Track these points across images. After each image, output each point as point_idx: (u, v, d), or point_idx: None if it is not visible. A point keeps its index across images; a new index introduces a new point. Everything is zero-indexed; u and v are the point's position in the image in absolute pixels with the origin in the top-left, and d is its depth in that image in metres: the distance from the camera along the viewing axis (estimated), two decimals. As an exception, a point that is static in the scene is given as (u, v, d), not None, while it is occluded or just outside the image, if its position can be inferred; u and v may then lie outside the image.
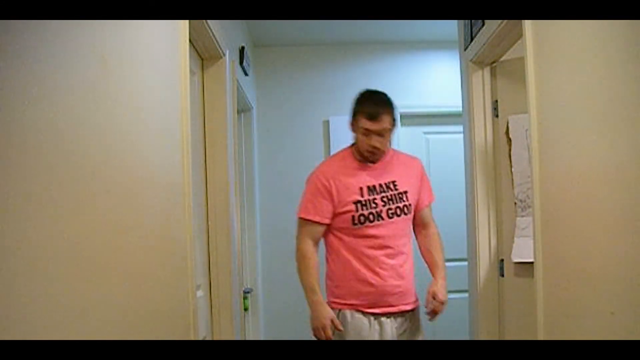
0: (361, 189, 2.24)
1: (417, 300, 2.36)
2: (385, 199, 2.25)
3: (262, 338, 3.87)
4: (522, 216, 2.61)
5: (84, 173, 1.07)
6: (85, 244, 1.06)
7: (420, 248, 2.44)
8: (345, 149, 2.36)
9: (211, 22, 2.27)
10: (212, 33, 2.33)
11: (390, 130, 2.21)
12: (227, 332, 2.58)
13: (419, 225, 2.43)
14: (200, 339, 2.27)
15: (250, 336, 3.70)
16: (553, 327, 1.87)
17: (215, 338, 2.55)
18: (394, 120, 2.23)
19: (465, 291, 3.08)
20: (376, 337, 2.22)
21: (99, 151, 1.15)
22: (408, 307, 2.29)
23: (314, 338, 2.27)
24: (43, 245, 0.91)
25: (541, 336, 1.94)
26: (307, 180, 2.33)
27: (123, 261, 1.26)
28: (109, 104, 1.21)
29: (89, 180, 1.09)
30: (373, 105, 2.18)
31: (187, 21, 1.88)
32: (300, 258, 2.29)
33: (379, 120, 2.17)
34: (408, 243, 2.33)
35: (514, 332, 2.62)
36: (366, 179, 2.27)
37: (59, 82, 0.98)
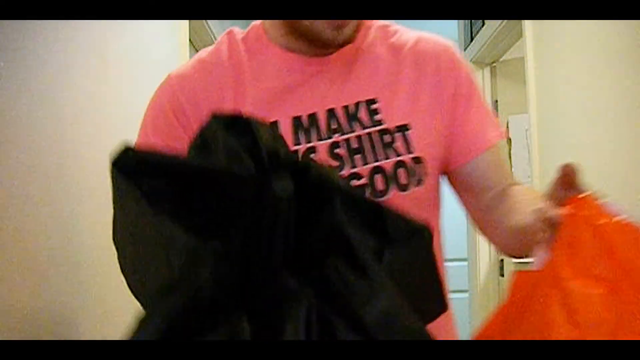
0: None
1: None
2: (341, 151, 0.82)
3: (262, 338, 3.87)
4: (522, 216, 2.61)
5: (83, 173, 1.07)
6: (84, 244, 1.06)
7: (499, 248, 0.95)
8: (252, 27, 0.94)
9: (211, 22, 2.27)
10: (212, 33, 2.33)
11: None
12: (227, 332, 2.58)
13: (482, 198, 0.91)
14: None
15: (250, 336, 3.70)
16: (553, 327, 1.87)
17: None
18: None
19: (465, 291, 3.08)
20: None
21: (99, 151, 1.15)
22: None
23: None
24: (42, 245, 0.91)
25: (541, 336, 1.93)
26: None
27: (123, 261, 1.26)
28: (108, 104, 1.20)
29: (88, 180, 1.09)
30: None
31: (187, 21, 1.88)
32: None
33: None
34: None
35: (514, 332, 2.62)
36: (301, 95, 0.85)
37: (59, 82, 0.98)
